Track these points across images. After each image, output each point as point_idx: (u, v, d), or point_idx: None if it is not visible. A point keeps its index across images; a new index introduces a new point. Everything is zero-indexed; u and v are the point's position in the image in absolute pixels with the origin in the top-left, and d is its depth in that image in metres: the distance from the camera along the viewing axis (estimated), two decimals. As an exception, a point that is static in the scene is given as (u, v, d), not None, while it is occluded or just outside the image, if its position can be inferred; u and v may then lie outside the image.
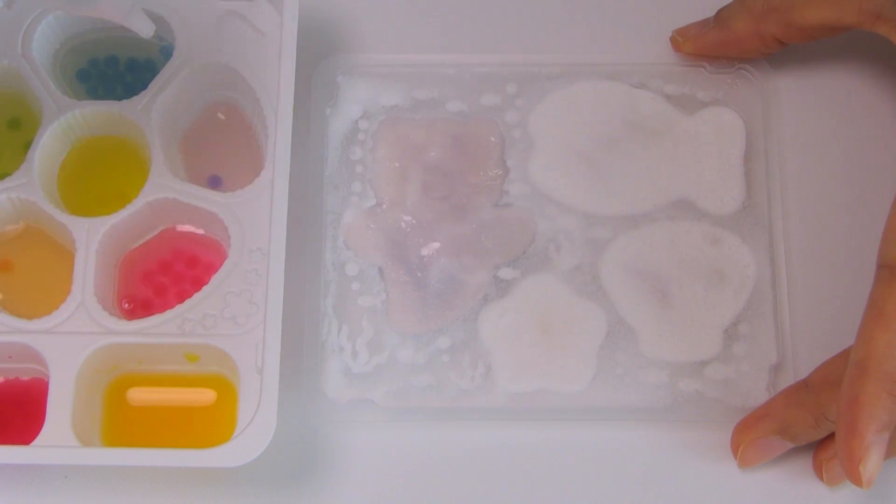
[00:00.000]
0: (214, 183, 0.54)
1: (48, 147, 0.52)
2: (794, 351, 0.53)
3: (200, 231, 0.53)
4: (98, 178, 0.54)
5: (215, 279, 0.50)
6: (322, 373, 0.52)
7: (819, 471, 0.51)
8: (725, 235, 0.54)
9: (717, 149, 0.55)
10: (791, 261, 0.54)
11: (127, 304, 0.52)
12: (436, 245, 0.53)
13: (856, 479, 0.45)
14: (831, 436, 0.49)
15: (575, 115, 0.55)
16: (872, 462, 0.45)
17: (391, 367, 0.52)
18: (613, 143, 0.55)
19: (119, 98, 0.53)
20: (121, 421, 0.51)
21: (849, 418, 0.45)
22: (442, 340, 0.52)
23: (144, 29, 0.48)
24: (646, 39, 0.57)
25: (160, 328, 0.50)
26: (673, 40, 0.56)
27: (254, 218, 0.51)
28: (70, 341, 0.49)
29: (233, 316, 0.50)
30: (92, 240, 0.51)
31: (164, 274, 0.53)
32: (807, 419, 0.49)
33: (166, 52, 0.55)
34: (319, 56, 0.56)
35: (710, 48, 0.55)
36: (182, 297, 0.51)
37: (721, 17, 0.55)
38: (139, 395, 0.52)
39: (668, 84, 0.56)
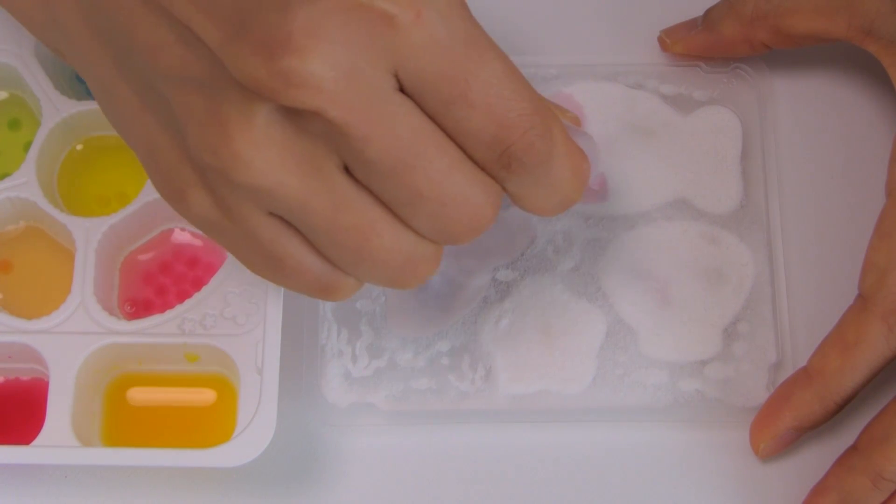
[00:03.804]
0: (214, 183, 0.54)
1: (48, 147, 0.52)
2: (793, 349, 0.53)
3: (201, 231, 0.53)
4: (98, 178, 0.54)
5: (215, 279, 0.50)
6: (322, 377, 0.52)
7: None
8: (723, 234, 0.54)
9: (714, 148, 0.55)
10: (789, 259, 0.54)
11: (129, 308, 0.53)
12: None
13: (754, 448, 0.51)
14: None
15: (572, 116, 0.55)
16: (773, 448, 0.51)
17: (391, 370, 0.52)
18: (610, 144, 0.55)
19: (119, 98, 0.53)
20: (121, 421, 0.51)
21: (777, 405, 0.50)
22: (441, 343, 0.52)
23: None
24: (642, 40, 0.57)
25: (160, 328, 0.50)
26: (660, 41, 0.56)
27: (253, 218, 0.51)
28: (70, 341, 0.49)
29: (233, 316, 0.50)
30: (92, 240, 0.51)
31: (164, 274, 0.53)
32: (864, 483, 0.49)
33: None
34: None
35: (698, 50, 0.56)
36: (182, 298, 0.51)
37: (709, 19, 0.55)
38: (139, 395, 0.51)
39: (664, 84, 0.56)
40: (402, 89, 0.40)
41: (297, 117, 0.39)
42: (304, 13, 0.38)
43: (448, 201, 0.40)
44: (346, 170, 0.40)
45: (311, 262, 0.42)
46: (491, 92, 0.39)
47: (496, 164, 0.41)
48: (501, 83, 0.40)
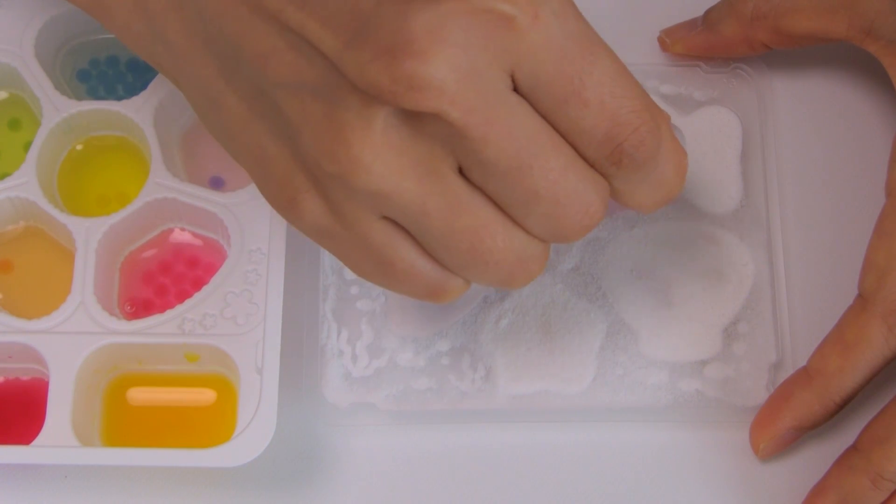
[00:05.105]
0: (215, 183, 0.54)
1: (48, 147, 0.53)
2: (793, 349, 0.53)
3: (201, 231, 0.53)
4: (98, 178, 0.54)
5: (215, 279, 0.50)
6: (322, 377, 0.52)
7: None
8: (723, 234, 0.54)
9: (714, 148, 0.55)
10: (789, 259, 0.54)
11: (129, 307, 0.53)
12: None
13: (754, 448, 0.51)
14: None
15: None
16: (773, 448, 0.51)
17: (391, 370, 0.52)
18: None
19: (119, 98, 0.53)
20: (121, 421, 0.51)
21: (777, 405, 0.50)
22: (442, 343, 0.52)
23: None
24: (642, 40, 0.57)
25: (160, 328, 0.50)
26: (660, 41, 0.56)
27: (254, 218, 0.51)
28: (70, 341, 0.49)
29: (233, 316, 0.50)
30: (92, 240, 0.51)
31: (164, 274, 0.53)
32: (864, 483, 0.49)
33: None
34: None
35: (698, 50, 0.56)
36: (182, 298, 0.51)
37: (709, 19, 0.55)
38: (139, 395, 0.51)
39: (664, 84, 0.56)
40: (515, 89, 0.40)
41: (414, 120, 0.39)
42: (424, 17, 0.38)
43: (563, 200, 0.40)
44: (460, 171, 0.40)
45: (422, 265, 0.42)
46: (604, 90, 0.40)
47: (607, 160, 0.41)
48: (614, 80, 0.40)
